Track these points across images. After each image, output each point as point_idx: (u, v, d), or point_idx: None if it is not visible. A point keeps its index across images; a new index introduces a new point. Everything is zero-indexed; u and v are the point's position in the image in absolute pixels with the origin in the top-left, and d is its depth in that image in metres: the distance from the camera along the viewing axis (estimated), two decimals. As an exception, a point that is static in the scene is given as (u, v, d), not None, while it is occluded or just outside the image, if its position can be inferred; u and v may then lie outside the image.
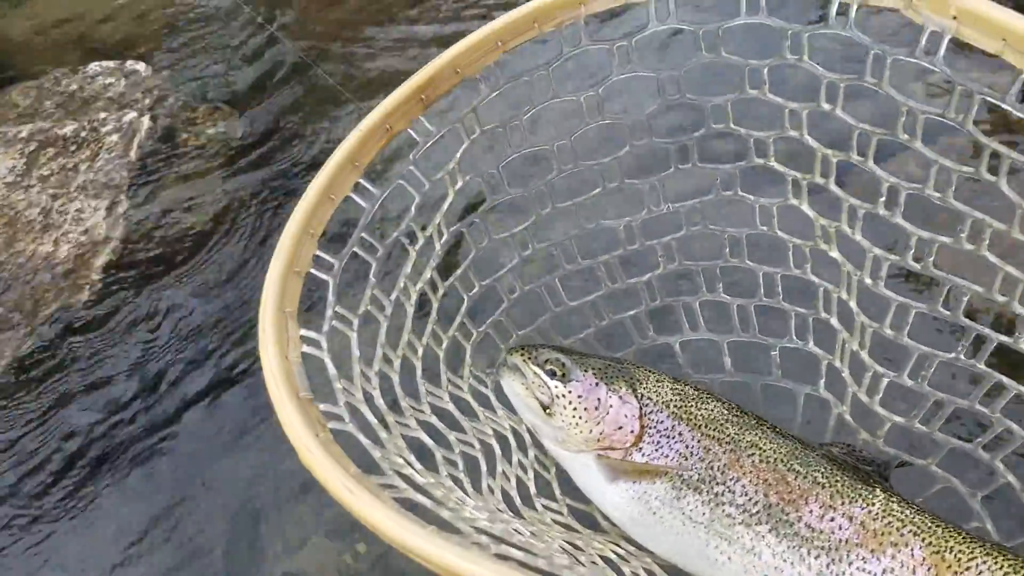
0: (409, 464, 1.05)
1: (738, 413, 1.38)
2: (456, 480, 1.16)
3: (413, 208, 1.37)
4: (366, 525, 0.84)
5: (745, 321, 1.60)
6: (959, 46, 1.13)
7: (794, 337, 1.56)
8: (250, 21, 3.01)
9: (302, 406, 0.94)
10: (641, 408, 1.37)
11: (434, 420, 1.27)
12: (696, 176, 1.56)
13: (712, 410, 1.37)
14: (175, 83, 2.86)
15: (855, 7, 1.20)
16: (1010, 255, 1.23)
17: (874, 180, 1.35)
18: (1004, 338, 1.27)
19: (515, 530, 1.08)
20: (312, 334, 1.09)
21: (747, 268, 1.59)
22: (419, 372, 1.35)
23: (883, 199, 1.34)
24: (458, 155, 1.43)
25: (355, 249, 1.26)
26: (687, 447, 1.33)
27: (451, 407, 1.35)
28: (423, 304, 1.42)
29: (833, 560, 1.21)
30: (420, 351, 1.38)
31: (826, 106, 1.33)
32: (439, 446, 1.19)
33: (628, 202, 1.61)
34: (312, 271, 1.16)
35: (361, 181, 1.28)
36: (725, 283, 1.62)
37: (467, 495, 1.14)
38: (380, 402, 1.17)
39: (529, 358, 1.41)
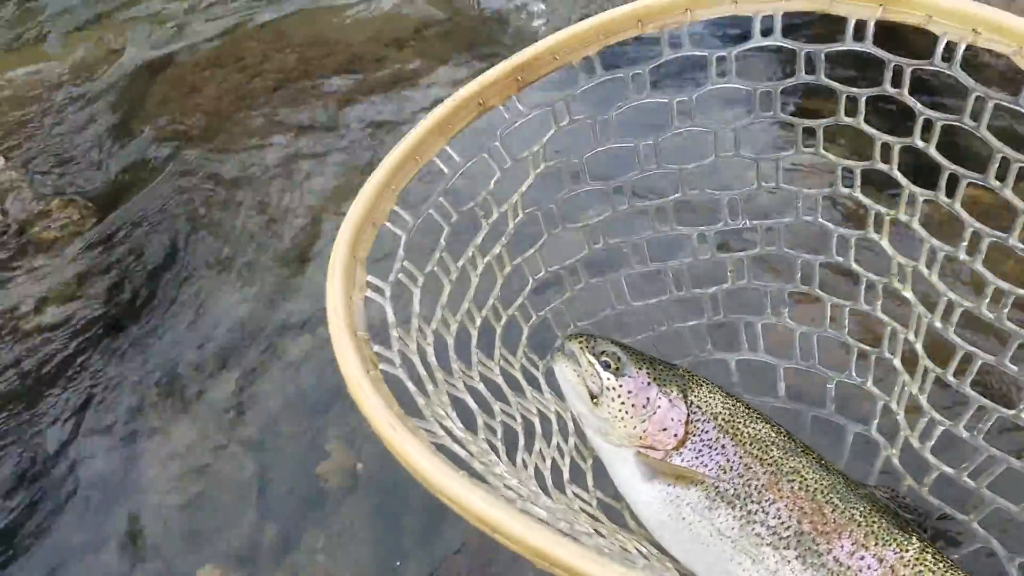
0: (449, 418, 1.08)
1: (785, 438, 1.37)
2: (492, 446, 1.18)
3: (492, 183, 1.40)
4: (402, 462, 0.87)
5: (806, 349, 1.58)
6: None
7: (853, 373, 1.53)
8: (109, 112, 2.93)
9: (358, 343, 0.98)
10: (688, 414, 1.37)
11: (481, 387, 1.30)
12: (781, 197, 1.56)
13: (759, 430, 1.36)
14: (30, 176, 2.70)
15: (962, 48, 1.19)
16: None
17: (958, 223, 1.32)
18: None
19: (541, 500, 1.10)
20: (378, 281, 1.13)
21: (816, 296, 1.57)
22: (474, 341, 1.37)
23: (965, 244, 1.31)
24: (544, 139, 1.45)
25: (431, 211, 1.30)
26: (728, 461, 1.33)
27: (500, 380, 1.38)
28: (488, 277, 1.44)
29: None
30: (478, 322, 1.40)
31: (920, 143, 1.31)
32: (481, 411, 1.22)
33: (707, 212, 1.61)
34: (387, 224, 1.20)
35: (447, 148, 1.31)
36: (791, 308, 1.60)
37: (500, 461, 1.16)
38: (432, 358, 1.20)
39: (586, 347, 1.42)
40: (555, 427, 1.40)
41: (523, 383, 1.43)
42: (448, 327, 1.31)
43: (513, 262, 1.50)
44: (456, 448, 0.98)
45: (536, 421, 1.35)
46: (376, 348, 1.03)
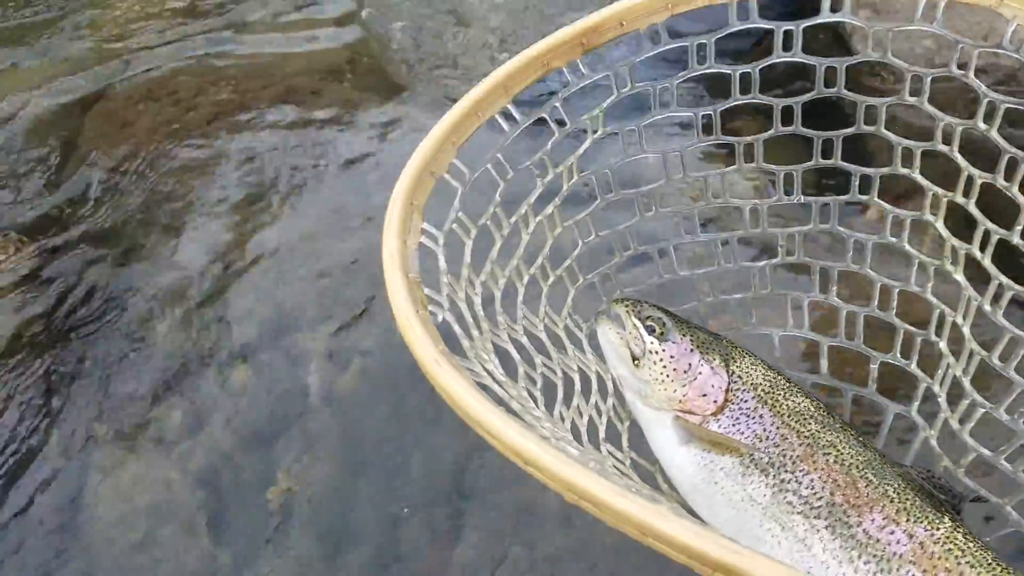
0: (492, 363, 1.12)
1: (824, 413, 1.38)
2: (531, 395, 1.22)
3: (550, 144, 1.43)
4: (444, 396, 0.91)
5: (852, 328, 1.58)
6: None
7: (898, 354, 1.53)
8: (41, 147, 2.86)
9: (409, 284, 1.03)
10: (729, 383, 1.39)
11: (524, 340, 1.33)
12: (838, 174, 1.56)
13: (798, 403, 1.38)
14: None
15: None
16: None
17: (1014, 207, 1.31)
18: None
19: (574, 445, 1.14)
20: (432, 229, 1.17)
21: (865, 276, 1.57)
22: (520, 297, 1.41)
23: (1020, 227, 1.30)
24: (605, 104, 1.47)
25: (489, 167, 1.34)
26: (765, 430, 1.35)
27: (544, 336, 1.41)
28: (538, 236, 1.48)
29: (882, 570, 1.21)
30: (525, 279, 1.43)
31: (982, 125, 1.30)
32: (523, 361, 1.25)
33: (762, 186, 1.62)
34: (445, 176, 1.24)
35: (509, 107, 1.34)
36: (840, 286, 1.60)
37: (538, 408, 1.20)
38: (479, 308, 1.24)
39: (631, 310, 1.45)
40: (595, 386, 1.43)
41: (566, 342, 1.46)
42: (496, 281, 1.35)
43: (564, 223, 1.53)
44: (497, 389, 1.02)
45: (576, 378, 1.38)
46: (427, 291, 1.08)
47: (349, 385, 1.93)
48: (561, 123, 1.44)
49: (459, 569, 1.59)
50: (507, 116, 1.34)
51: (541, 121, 1.41)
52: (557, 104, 1.42)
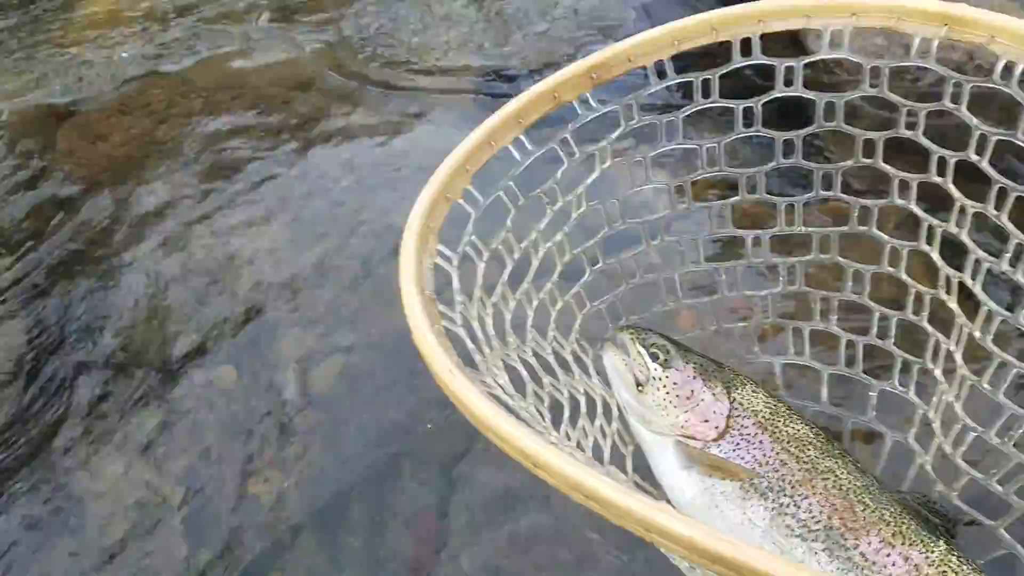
0: (502, 378, 1.17)
1: (823, 440, 1.42)
2: (539, 412, 1.27)
3: (560, 173, 1.49)
4: (458, 405, 0.96)
5: (852, 357, 1.62)
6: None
7: (896, 383, 1.57)
8: (13, 161, 2.87)
9: (425, 300, 1.08)
10: (731, 409, 1.44)
11: (533, 361, 1.37)
12: (833, 203, 1.61)
13: (798, 430, 1.42)
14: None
15: (1020, 68, 1.24)
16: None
17: (1003, 235, 1.37)
18: None
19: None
20: (447, 251, 1.23)
21: (864, 305, 1.61)
22: (530, 320, 1.46)
23: (1008, 255, 1.35)
24: (614, 136, 1.53)
25: (501, 193, 1.39)
26: (765, 455, 1.39)
27: (551, 358, 1.45)
28: (548, 262, 1.53)
29: None
30: (535, 303, 1.48)
31: (974, 157, 1.36)
32: (531, 380, 1.29)
33: (761, 215, 1.67)
34: (460, 202, 1.30)
35: (521, 137, 1.40)
36: (840, 315, 1.65)
37: (546, 424, 1.24)
38: (490, 327, 1.29)
39: (637, 338, 1.50)
40: (600, 409, 1.47)
41: (573, 365, 1.51)
42: (507, 303, 1.39)
43: (573, 251, 1.58)
44: (507, 400, 1.07)
45: (582, 400, 1.42)
46: (441, 307, 1.13)
47: (328, 386, 2.01)
48: (571, 154, 1.49)
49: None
50: (519, 146, 1.40)
51: (552, 150, 1.47)
52: (567, 135, 1.48)
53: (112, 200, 2.66)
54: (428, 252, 1.19)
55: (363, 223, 2.43)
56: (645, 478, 1.47)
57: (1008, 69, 1.26)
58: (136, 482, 1.87)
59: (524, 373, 1.30)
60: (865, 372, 1.61)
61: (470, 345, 1.16)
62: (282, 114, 2.94)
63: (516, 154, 1.40)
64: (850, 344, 1.63)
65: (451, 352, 1.02)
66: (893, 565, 1.27)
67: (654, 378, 1.45)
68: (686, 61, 1.48)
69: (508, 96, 1.42)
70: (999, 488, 1.37)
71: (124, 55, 3.34)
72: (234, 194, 2.61)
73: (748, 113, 1.54)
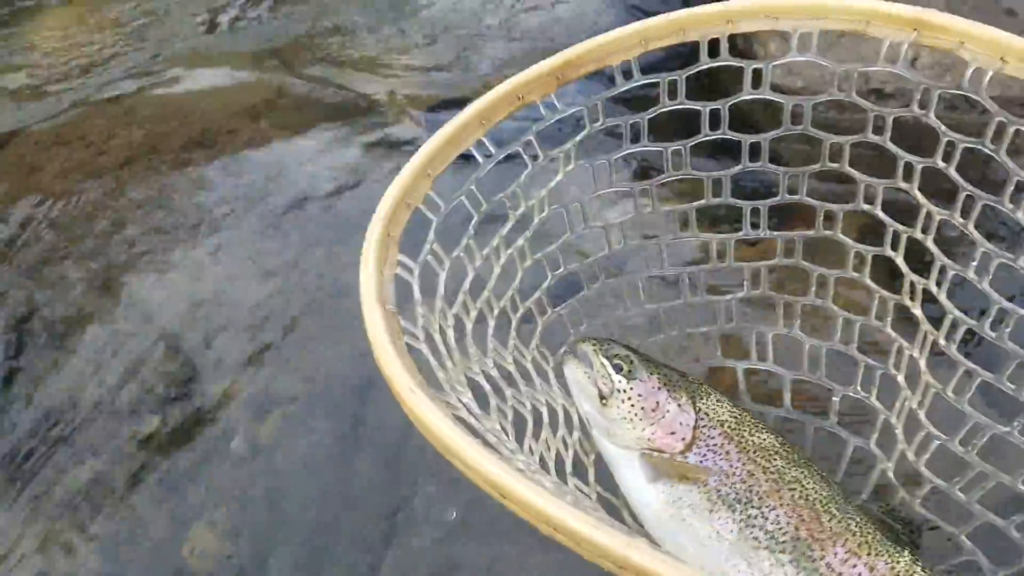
0: (465, 395, 1.13)
1: (788, 449, 1.41)
2: (503, 427, 1.23)
3: (523, 176, 1.45)
4: (419, 426, 0.92)
5: (815, 362, 1.62)
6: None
7: (859, 388, 1.57)
8: None
9: (386, 315, 1.04)
10: (697, 420, 1.41)
11: (495, 372, 1.34)
12: (800, 208, 1.60)
13: (764, 440, 1.41)
14: None
15: (989, 74, 1.24)
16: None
17: (970, 243, 1.37)
18: None
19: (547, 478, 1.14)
20: (408, 260, 1.18)
21: (829, 310, 1.61)
22: (490, 330, 1.42)
23: (975, 263, 1.35)
24: (578, 138, 1.50)
25: (463, 199, 1.35)
26: (731, 466, 1.37)
27: (512, 368, 1.42)
28: (510, 269, 1.49)
29: None
30: (496, 311, 1.45)
31: (941, 164, 1.35)
32: (495, 394, 1.26)
33: (727, 219, 1.65)
34: (421, 207, 1.25)
35: (484, 140, 1.36)
36: (803, 320, 1.64)
37: (510, 441, 1.20)
38: (451, 339, 1.25)
39: (599, 349, 1.47)
40: (561, 419, 1.44)
41: (534, 374, 1.47)
42: (468, 313, 1.36)
43: (534, 256, 1.54)
44: (472, 421, 1.03)
45: (544, 411, 1.39)
46: (403, 322, 1.08)
47: (268, 431, 1.87)
48: (535, 157, 1.46)
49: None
50: (482, 149, 1.36)
51: (515, 154, 1.43)
52: (531, 137, 1.44)
53: (48, 235, 2.49)
54: (389, 263, 1.15)
55: (308, 263, 2.28)
56: (608, 489, 1.44)
57: (977, 75, 1.25)
58: (58, 543, 1.74)
59: (487, 387, 1.26)
60: (828, 377, 1.60)
61: (433, 362, 1.11)
62: (227, 144, 2.78)
63: (478, 156, 1.36)
64: (813, 349, 1.62)
65: (413, 370, 0.98)
66: (859, 575, 1.26)
67: (618, 391, 1.42)
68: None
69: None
70: (962, 496, 1.37)
71: (63, 82, 3.16)
72: (175, 229, 2.45)
73: (715, 116, 1.51)
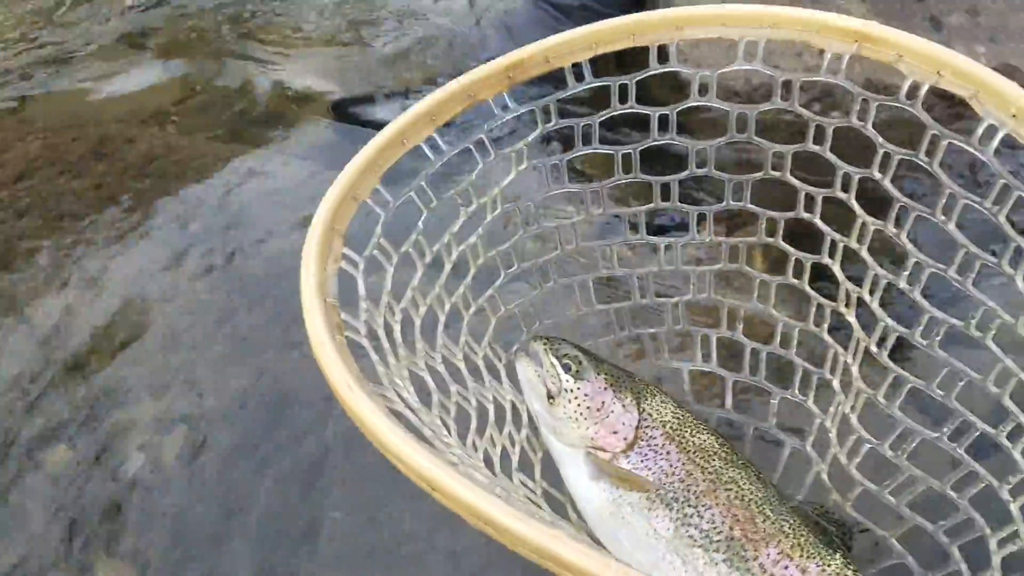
0: (406, 390, 1.14)
1: (728, 450, 1.44)
2: (444, 423, 1.24)
3: (475, 174, 1.47)
4: (355, 421, 0.93)
5: (756, 365, 1.66)
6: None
7: (797, 391, 1.61)
8: None
9: (326, 308, 1.04)
10: (640, 420, 1.44)
11: (441, 368, 1.35)
12: (744, 214, 1.64)
13: (704, 440, 1.44)
14: None
15: (925, 88, 1.28)
16: (1011, 350, 1.30)
17: (903, 254, 1.41)
18: (988, 428, 1.33)
19: (483, 471, 1.16)
20: (353, 254, 1.19)
21: (770, 316, 1.65)
22: (440, 326, 1.44)
23: (907, 273, 1.40)
24: (530, 138, 1.52)
25: (413, 194, 1.36)
26: (671, 466, 1.40)
27: (462, 365, 1.43)
28: (461, 267, 1.50)
29: None
30: (447, 307, 1.46)
31: (877, 174, 1.40)
32: (438, 390, 1.27)
33: (674, 224, 1.68)
34: (368, 201, 1.26)
35: (434, 136, 1.37)
36: (746, 325, 1.68)
37: (450, 436, 1.22)
38: (397, 335, 1.26)
39: (550, 348, 1.49)
40: (509, 416, 1.46)
41: (484, 372, 1.49)
42: (417, 308, 1.37)
43: (487, 254, 1.56)
44: (409, 415, 1.04)
45: (491, 408, 1.41)
46: (344, 316, 1.09)
47: (172, 453, 1.81)
48: (487, 155, 1.47)
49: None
50: (432, 145, 1.37)
51: (467, 151, 1.44)
52: (483, 136, 1.46)
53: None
54: (333, 256, 1.15)
55: (214, 277, 2.21)
56: (554, 485, 1.46)
57: (914, 89, 1.29)
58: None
59: (431, 382, 1.28)
60: (767, 380, 1.64)
61: (374, 356, 1.12)
62: (127, 153, 2.65)
63: (429, 154, 1.37)
64: (754, 352, 1.66)
65: (351, 364, 0.99)
66: None
67: (565, 390, 1.44)
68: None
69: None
70: (891, 500, 1.41)
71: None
72: (73, 247, 2.35)
73: (663, 121, 1.54)
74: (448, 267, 1.47)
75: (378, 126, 1.35)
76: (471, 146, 1.45)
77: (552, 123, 1.52)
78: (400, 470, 0.88)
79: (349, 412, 0.93)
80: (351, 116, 2.78)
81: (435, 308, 1.43)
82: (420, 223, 1.39)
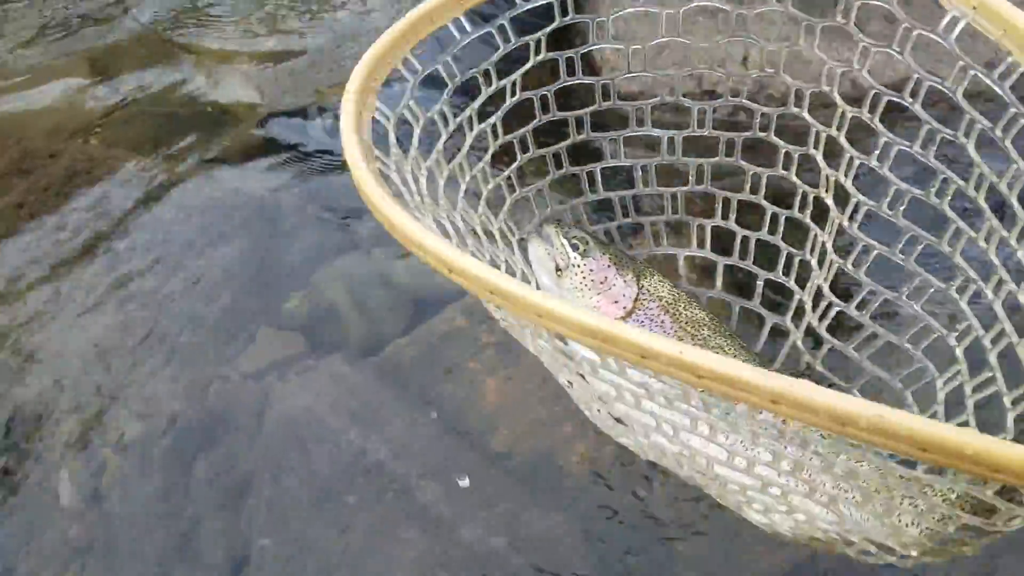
0: (428, 217, 1.30)
1: (716, 323, 1.62)
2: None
3: (496, 56, 1.61)
4: (386, 225, 1.07)
5: (745, 249, 1.81)
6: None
7: (780, 272, 1.77)
8: None
9: (363, 143, 1.20)
10: (638, 294, 1.62)
11: (461, 225, 1.47)
12: (744, 111, 1.79)
13: (695, 314, 1.62)
14: None
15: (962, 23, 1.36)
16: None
17: (876, 141, 1.57)
18: (940, 284, 1.53)
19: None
20: (386, 109, 1.34)
21: (759, 205, 1.79)
22: (461, 191, 1.57)
23: (877, 152, 1.56)
24: (549, 29, 1.64)
25: (439, 67, 1.51)
26: (665, 333, 1.58)
27: (479, 228, 1.57)
28: (481, 143, 1.64)
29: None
30: (467, 176, 1.59)
31: (856, 66, 1.54)
32: (456, 236, 1.40)
33: (678, 123, 1.82)
34: (400, 68, 1.41)
35: (461, 19, 1.51)
36: (739, 213, 1.82)
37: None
38: (423, 186, 1.41)
39: (560, 230, 1.67)
40: (518, 275, 1.61)
41: (499, 239, 1.64)
42: (440, 169, 1.49)
43: (506, 136, 1.69)
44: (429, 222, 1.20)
45: (502, 268, 1.55)
46: (377, 153, 1.25)
47: (102, 480, 1.80)
48: (507, 40, 1.59)
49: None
50: (459, 26, 1.51)
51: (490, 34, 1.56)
52: (504, 22, 1.58)
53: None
54: (368, 107, 1.30)
55: (139, 295, 2.17)
56: None
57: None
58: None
59: (450, 230, 1.39)
60: (755, 263, 1.80)
61: (402, 188, 1.27)
62: (48, 169, 2.55)
63: (455, 32, 1.49)
64: (744, 239, 1.81)
65: (383, 184, 1.14)
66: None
67: (573, 265, 1.62)
68: None
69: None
70: (855, 354, 1.60)
71: None
72: None
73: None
74: (470, 139, 1.58)
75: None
76: (493, 30, 1.57)
77: (569, 17, 1.65)
78: (425, 261, 1.03)
79: (380, 217, 1.07)
80: (277, 126, 2.75)
81: (457, 174, 1.56)
82: (445, 94, 1.52)
